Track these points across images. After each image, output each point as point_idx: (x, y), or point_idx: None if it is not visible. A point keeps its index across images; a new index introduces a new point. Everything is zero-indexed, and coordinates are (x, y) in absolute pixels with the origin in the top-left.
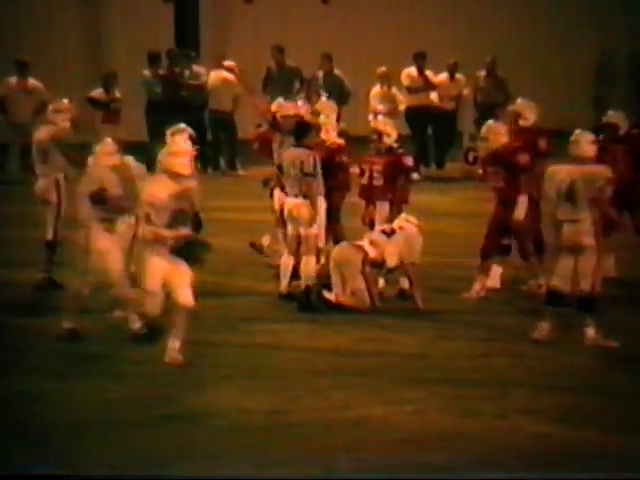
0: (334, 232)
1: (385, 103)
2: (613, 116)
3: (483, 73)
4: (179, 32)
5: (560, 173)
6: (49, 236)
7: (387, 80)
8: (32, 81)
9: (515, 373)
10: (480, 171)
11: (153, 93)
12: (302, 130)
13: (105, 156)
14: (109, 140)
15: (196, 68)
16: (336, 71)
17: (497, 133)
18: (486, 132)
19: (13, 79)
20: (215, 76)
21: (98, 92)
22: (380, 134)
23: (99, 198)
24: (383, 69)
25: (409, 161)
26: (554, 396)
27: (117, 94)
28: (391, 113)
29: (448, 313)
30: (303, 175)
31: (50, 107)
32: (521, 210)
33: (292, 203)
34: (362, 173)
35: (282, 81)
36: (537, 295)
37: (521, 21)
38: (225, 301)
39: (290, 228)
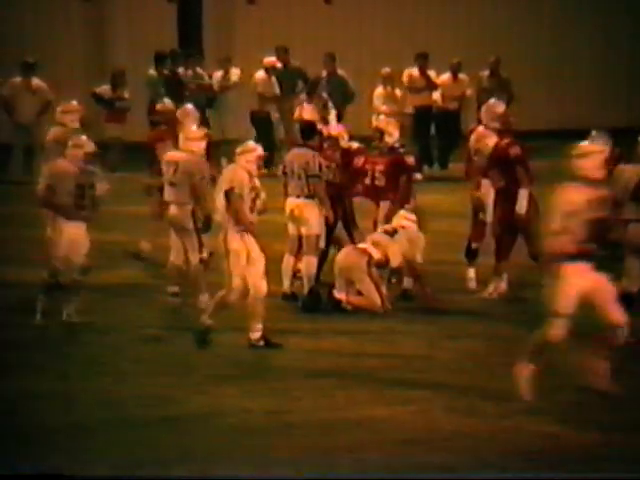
0: (351, 235)
1: (388, 104)
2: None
3: (486, 73)
4: (182, 32)
5: (627, 172)
6: None
7: (390, 81)
8: (36, 81)
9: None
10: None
11: (157, 93)
12: (308, 131)
13: (242, 156)
14: (252, 142)
15: (199, 69)
16: (339, 71)
17: (483, 138)
18: (474, 143)
19: (17, 79)
20: (258, 77)
21: (104, 88)
22: (382, 133)
23: (228, 197)
24: (387, 70)
25: (410, 160)
26: (558, 396)
27: (125, 94)
28: (395, 114)
29: (452, 313)
30: (307, 176)
31: (59, 108)
32: (523, 203)
33: (294, 203)
34: (365, 173)
35: (286, 81)
36: (543, 295)
37: (524, 21)
38: None
39: (291, 228)
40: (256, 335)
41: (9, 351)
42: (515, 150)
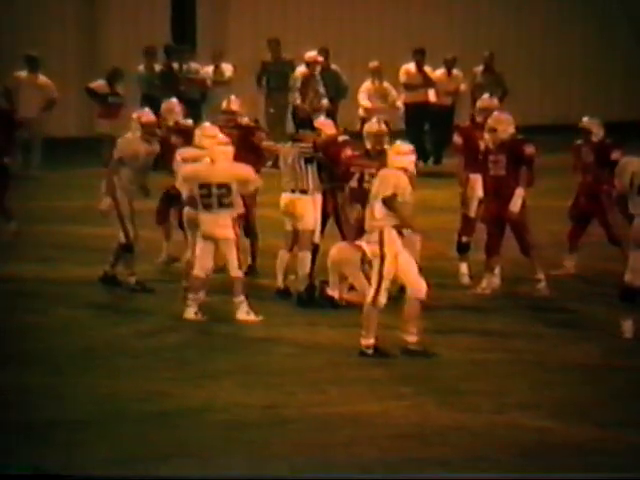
0: (342, 230)
1: (374, 98)
2: (587, 122)
3: (480, 68)
4: (176, 27)
5: (632, 166)
6: (122, 240)
7: (379, 75)
8: (42, 77)
9: (513, 368)
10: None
11: (149, 88)
12: (303, 124)
13: (402, 157)
14: (401, 143)
15: (194, 63)
16: (333, 66)
17: (505, 123)
18: (494, 123)
19: (23, 73)
20: (299, 72)
21: (98, 84)
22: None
23: (390, 203)
24: (375, 63)
25: None
26: (552, 391)
27: (120, 90)
28: (380, 110)
29: (445, 308)
30: (301, 170)
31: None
32: (517, 202)
33: (288, 198)
34: (351, 175)
35: (278, 74)
36: (536, 290)
37: (518, 16)
38: (221, 296)
39: (287, 223)
40: (413, 338)
41: (3, 345)
42: (530, 149)
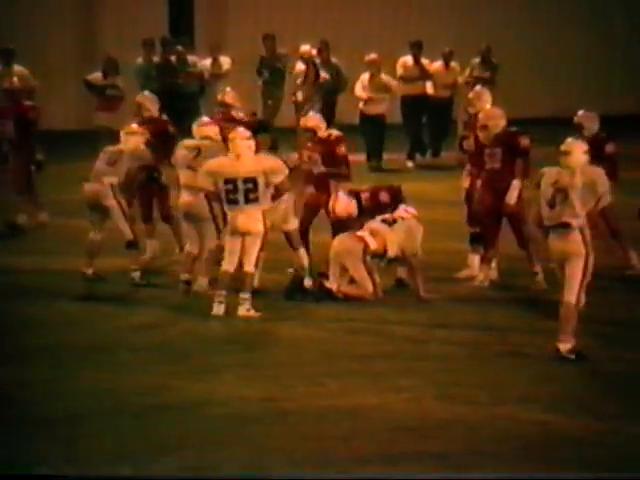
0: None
1: (368, 91)
2: (579, 117)
3: (477, 60)
4: (174, 20)
5: None
6: (129, 237)
7: (376, 68)
8: (17, 67)
9: (512, 361)
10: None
11: (146, 81)
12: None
13: (584, 155)
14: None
15: (191, 56)
16: (333, 59)
17: (495, 118)
18: (485, 120)
19: None
20: (298, 68)
21: (95, 76)
22: (314, 131)
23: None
24: (372, 56)
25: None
26: (551, 384)
27: (119, 82)
28: (377, 101)
29: (444, 301)
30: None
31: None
32: (513, 194)
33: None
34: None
35: (273, 68)
36: (533, 283)
37: (517, 8)
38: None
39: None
40: (567, 346)
41: (2, 339)
42: (525, 141)
